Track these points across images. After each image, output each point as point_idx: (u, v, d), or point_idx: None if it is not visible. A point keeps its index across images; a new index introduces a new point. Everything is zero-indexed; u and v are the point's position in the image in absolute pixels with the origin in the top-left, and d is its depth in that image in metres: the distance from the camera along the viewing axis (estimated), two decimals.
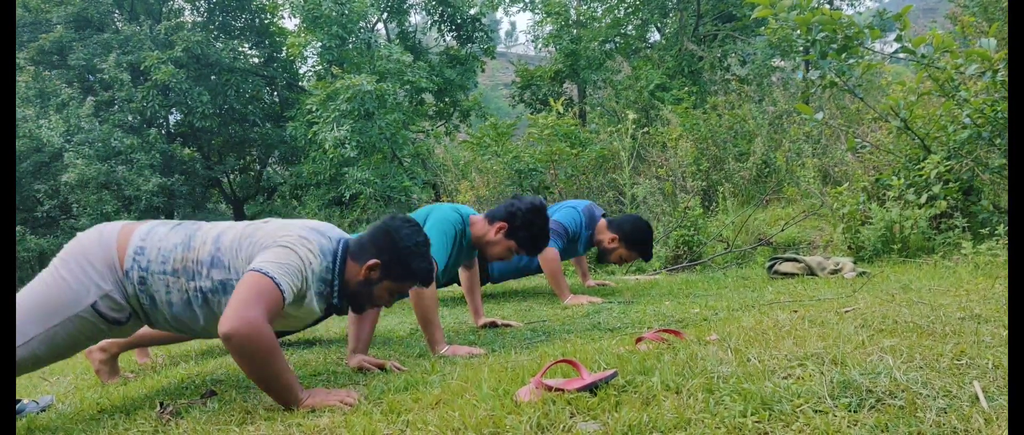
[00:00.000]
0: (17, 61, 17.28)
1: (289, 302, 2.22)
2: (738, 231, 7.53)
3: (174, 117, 19.15)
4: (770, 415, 1.47)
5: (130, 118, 17.53)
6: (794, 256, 4.23)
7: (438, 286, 3.43)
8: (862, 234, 4.65)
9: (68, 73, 17.94)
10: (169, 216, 17.29)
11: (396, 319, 4.12)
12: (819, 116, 5.10)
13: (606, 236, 4.48)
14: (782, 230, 6.42)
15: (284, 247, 2.27)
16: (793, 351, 1.88)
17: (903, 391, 1.50)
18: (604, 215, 4.59)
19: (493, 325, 3.67)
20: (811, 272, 4.11)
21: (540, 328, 3.49)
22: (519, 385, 2.02)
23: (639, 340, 2.36)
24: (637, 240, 4.44)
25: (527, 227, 3.34)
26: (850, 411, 1.45)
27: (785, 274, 4.15)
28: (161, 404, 2.37)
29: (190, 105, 17.49)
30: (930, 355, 1.75)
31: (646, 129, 8.99)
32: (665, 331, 2.38)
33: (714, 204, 8.61)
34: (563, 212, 4.47)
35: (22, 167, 16.26)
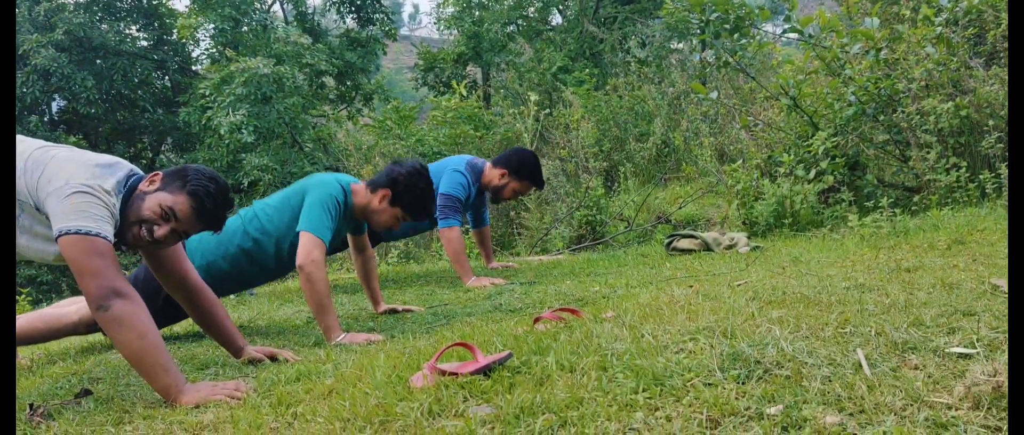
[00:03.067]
0: None
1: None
2: (639, 210, 7.66)
3: (57, 104, 18.15)
4: (661, 390, 1.47)
5: None
6: (691, 233, 4.31)
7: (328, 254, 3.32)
8: (755, 210, 4.77)
9: None
10: None
11: (292, 309, 3.99)
12: (714, 95, 5.22)
13: (494, 175, 4.41)
14: (681, 208, 6.55)
15: (82, 194, 2.10)
16: (686, 325, 1.89)
17: (789, 361, 1.52)
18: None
19: (393, 311, 3.60)
20: (707, 248, 4.20)
21: (441, 312, 3.44)
22: (414, 371, 1.96)
23: (537, 320, 2.34)
24: (526, 170, 4.40)
25: (411, 191, 3.22)
26: (738, 383, 1.46)
27: (683, 250, 4.22)
28: (31, 406, 2.21)
29: (74, 91, 16.61)
30: (816, 324, 1.79)
31: (549, 111, 9.01)
32: (563, 310, 2.36)
33: (616, 184, 8.73)
34: (447, 179, 4.31)
35: None
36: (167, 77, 19.24)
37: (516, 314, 3.02)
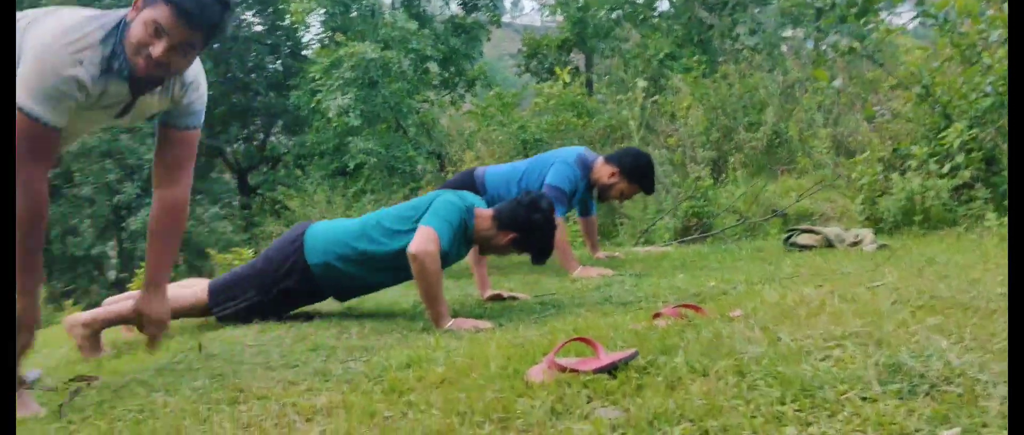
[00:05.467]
0: None
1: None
2: (750, 203, 7.37)
3: None
4: (811, 402, 1.33)
5: None
6: (812, 228, 4.07)
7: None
8: (880, 205, 4.48)
9: None
10: None
11: (398, 291, 3.96)
12: (837, 83, 4.93)
13: (604, 172, 4.25)
14: (797, 201, 6.25)
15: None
16: (829, 330, 1.74)
17: (959, 376, 1.35)
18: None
19: (499, 297, 3.53)
20: (829, 244, 3.96)
21: (549, 301, 3.35)
22: (529, 364, 1.88)
23: (656, 316, 2.21)
24: (638, 173, 4.24)
25: (538, 240, 3.17)
26: (901, 399, 1.30)
27: (802, 246, 4.00)
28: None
29: None
30: (982, 335, 1.60)
31: (655, 98, 8.76)
32: (684, 306, 2.23)
33: (724, 175, 8.43)
34: (556, 170, 4.17)
35: None
36: (279, 61, 19.77)
37: (629, 308, 2.90)
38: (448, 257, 3.10)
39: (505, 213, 3.19)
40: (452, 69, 18.27)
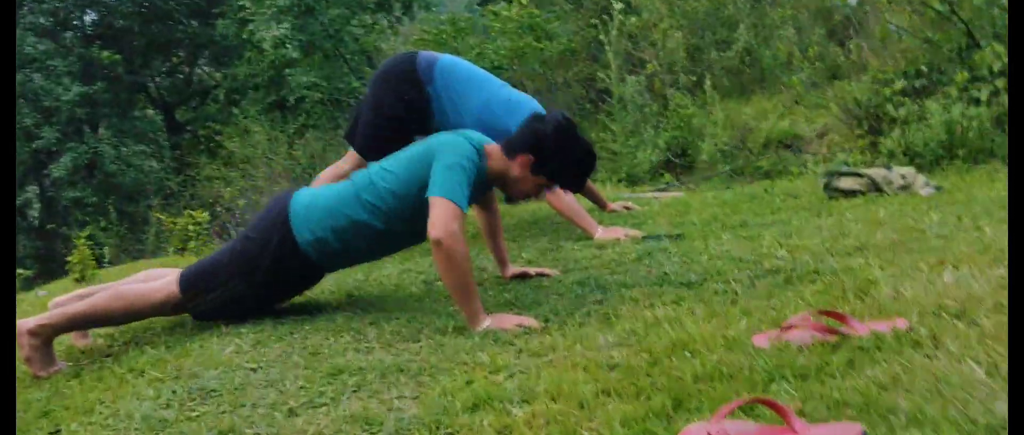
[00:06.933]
0: None
1: None
2: (726, 128, 6.97)
3: (90, 17, 17.46)
4: None
5: (42, 20, 15.87)
6: (854, 170, 3.65)
7: None
8: (914, 136, 4.08)
9: None
10: (94, 128, 15.95)
11: (396, 268, 3.43)
12: (853, 1, 4.48)
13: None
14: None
15: None
16: None
17: None
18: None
19: (524, 275, 3.04)
20: (876, 188, 3.56)
21: (584, 279, 2.86)
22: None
23: (787, 327, 1.75)
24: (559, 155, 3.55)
25: (560, 156, 2.63)
26: None
27: (845, 191, 3.59)
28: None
29: (107, 3, 15.91)
30: None
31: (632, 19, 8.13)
32: (826, 314, 1.77)
33: (696, 99, 7.98)
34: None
35: None
36: None
37: (698, 292, 2.44)
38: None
39: (512, 139, 2.69)
40: None
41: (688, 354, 1.80)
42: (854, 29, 6.82)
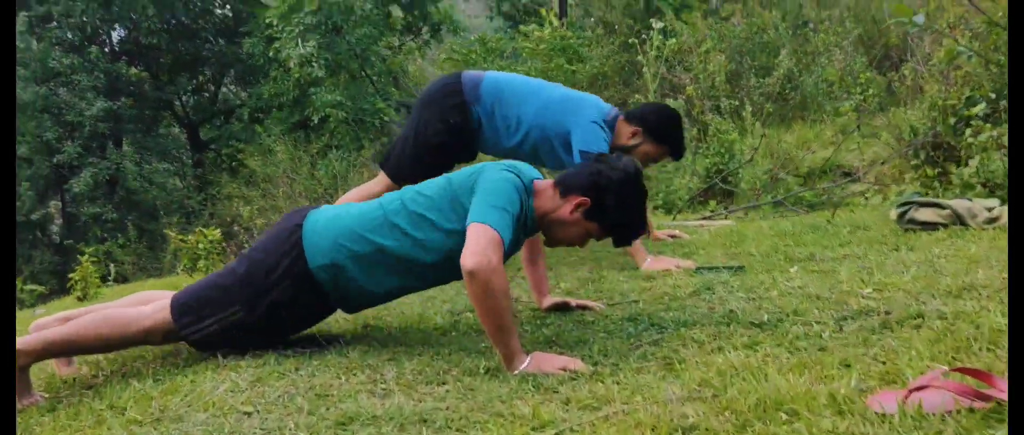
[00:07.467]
0: None
1: None
2: (765, 156, 6.65)
3: (118, 33, 17.45)
4: None
5: (69, 35, 15.85)
6: (935, 200, 3.27)
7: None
8: (993, 165, 3.69)
9: None
10: (117, 143, 15.82)
11: (417, 295, 3.05)
12: (918, 19, 4.11)
13: (626, 131, 3.32)
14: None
15: None
16: None
17: None
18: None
19: (565, 306, 2.69)
20: (959, 221, 3.18)
21: (633, 313, 2.51)
22: None
23: (918, 389, 1.39)
24: (664, 131, 3.30)
25: (621, 208, 2.26)
26: None
27: (924, 223, 3.21)
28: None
29: (135, 20, 15.86)
30: None
31: (672, 41, 7.80)
32: (965, 371, 1.40)
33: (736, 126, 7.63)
34: (585, 133, 3.18)
35: None
36: (228, 6, 18.36)
37: (775, 334, 2.07)
38: (509, 250, 2.23)
39: (567, 177, 2.33)
40: (416, 12, 17.10)
41: (784, 415, 1.44)
42: (908, 54, 6.44)
